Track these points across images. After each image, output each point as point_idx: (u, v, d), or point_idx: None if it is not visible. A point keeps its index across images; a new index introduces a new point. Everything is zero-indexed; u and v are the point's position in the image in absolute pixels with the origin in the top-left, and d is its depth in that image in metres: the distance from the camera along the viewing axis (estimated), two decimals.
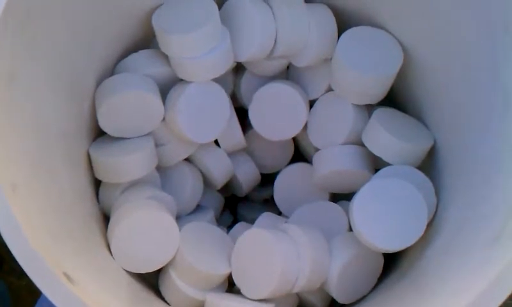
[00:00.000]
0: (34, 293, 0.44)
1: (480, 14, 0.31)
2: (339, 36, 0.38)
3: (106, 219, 0.36)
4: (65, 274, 0.25)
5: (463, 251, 0.30)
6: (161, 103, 0.36)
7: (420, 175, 0.35)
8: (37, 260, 0.24)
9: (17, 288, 0.46)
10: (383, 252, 0.35)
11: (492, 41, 0.31)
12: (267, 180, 0.45)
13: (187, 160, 0.40)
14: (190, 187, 0.40)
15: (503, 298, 0.24)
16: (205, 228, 0.37)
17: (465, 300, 0.25)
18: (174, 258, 0.34)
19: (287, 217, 0.41)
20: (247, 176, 0.43)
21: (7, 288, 0.46)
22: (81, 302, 0.24)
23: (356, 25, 0.38)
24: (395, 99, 0.40)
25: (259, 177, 0.44)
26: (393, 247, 0.33)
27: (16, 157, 0.27)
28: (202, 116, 0.37)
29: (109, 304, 0.28)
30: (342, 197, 0.40)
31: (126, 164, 0.35)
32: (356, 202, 0.34)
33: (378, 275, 0.36)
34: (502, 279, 0.24)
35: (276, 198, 0.42)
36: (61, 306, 0.24)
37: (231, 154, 0.42)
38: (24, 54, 0.28)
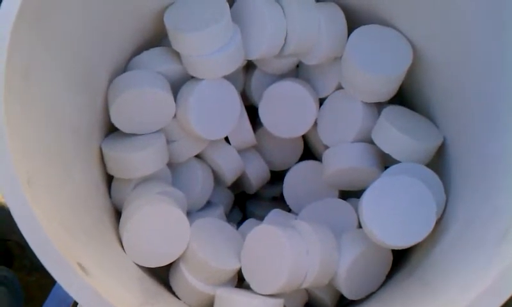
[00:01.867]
0: (43, 289, 0.45)
1: (489, 13, 0.31)
2: (349, 34, 0.38)
3: (118, 213, 0.37)
4: (79, 264, 0.25)
5: (471, 248, 0.30)
6: (172, 100, 0.37)
7: (429, 173, 0.36)
8: (53, 251, 0.25)
9: (27, 284, 0.47)
10: (392, 248, 0.35)
11: (500, 40, 0.31)
12: (277, 177, 0.45)
13: (197, 156, 0.41)
14: (200, 183, 0.40)
15: (508, 295, 0.24)
16: (215, 223, 0.38)
17: (471, 296, 0.25)
18: (185, 253, 0.35)
19: (296, 214, 0.41)
20: (257, 173, 0.44)
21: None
22: (95, 292, 0.24)
23: (366, 23, 0.38)
24: (404, 97, 0.40)
25: (269, 174, 0.44)
26: (402, 243, 0.33)
27: (31, 150, 0.28)
28: (213, 113, 0.38)
29: (120, 296, 0.28)
30: (351, 194, 0.40)
31: (138, 160, 0.36)
32: (366, 199, 0.34)
33: (387, 271, 0.36)
34: (507, 276, 0.24)
35: (285, 195, 0.43)
36: (75, 295, 0.24)
37: (241, 151, 0.42)
38: (39, 49, 0.29)
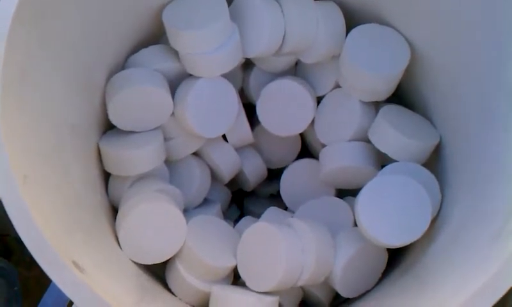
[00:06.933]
0: (42, 284, 0.45)
1: (488, 14, 0.31)
2: (347, 33, 0.38)
3: (115, 210, 0.37)
4: (74, 263, 0.25)
5: (465, 247, 0.30)
6: (170, 98, 0.37)
7: (425, 172, 0.36)
8: (47, 248, 0.25)
9: (26, 279, 0.47)
10: (387, 247, 0.35)
11: (498, 40, 0.31)
12: (274, 175, 0.45)
13: (195, 154, 0.41)
14: (198, 180, 0.40)
15: (501, 294, 0.24)
16: (211, 221, 0.38)
17: (466, 295, 0.25)
18: (181, 250, 0.35)
19: (292, 211, 0.41)
20: (254, 171, 0.44)
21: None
22: (89, 289, 0.24)
23: (364, 22, 0.38)
24: (402, 96, 0.40)
25: (266, 172, 0.44)
26: (397, 242, 0.33)
27: (28, 149, 0.28)
28: (211, 111, 0.38)
29: (116, 293, 0.28)
30: (347, 193, 0.40)
31: (135, 157, 0.36)
32: (362, 198, 0.34)
33: (382, 270, 0.36)
34: (501, 276, 0.24)
35: (282, 193, 0.43)
36: (69, 293, 0.24)
37: (238, 149, 0.42)
38: (37, 50, 0.29)
